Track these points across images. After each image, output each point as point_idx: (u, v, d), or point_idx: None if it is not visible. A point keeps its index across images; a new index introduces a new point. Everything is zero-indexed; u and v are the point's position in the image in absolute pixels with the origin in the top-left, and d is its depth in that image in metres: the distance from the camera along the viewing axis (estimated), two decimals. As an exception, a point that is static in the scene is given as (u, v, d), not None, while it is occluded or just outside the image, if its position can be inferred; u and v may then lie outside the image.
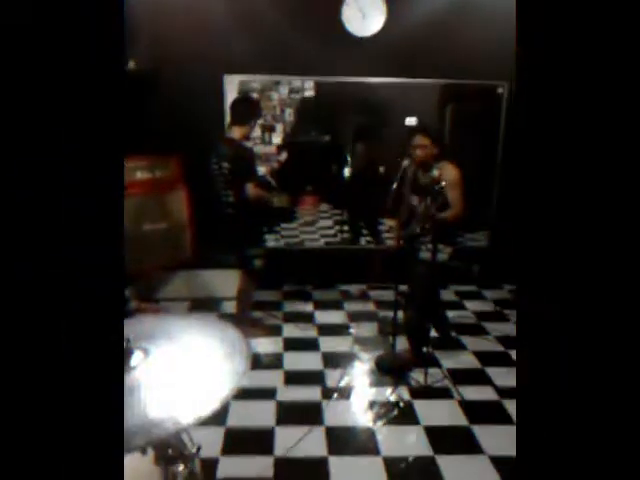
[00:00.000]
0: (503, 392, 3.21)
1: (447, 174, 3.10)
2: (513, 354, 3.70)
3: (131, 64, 4.10)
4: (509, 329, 4.12)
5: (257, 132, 4.41)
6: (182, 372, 1.40)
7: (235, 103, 3.69)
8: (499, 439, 2.77)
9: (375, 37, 4.28)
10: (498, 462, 2.59)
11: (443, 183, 2.96)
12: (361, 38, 4.28)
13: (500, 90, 4.50)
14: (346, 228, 5.04)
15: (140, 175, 4.05)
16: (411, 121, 4.63)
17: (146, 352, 1.40)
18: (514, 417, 2.95)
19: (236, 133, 3.52)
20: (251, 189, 3.40)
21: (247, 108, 3.60)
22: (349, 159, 4.73)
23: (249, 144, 3.89)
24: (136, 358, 1.36)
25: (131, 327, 1.52)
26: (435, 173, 3.08)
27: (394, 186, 3.16)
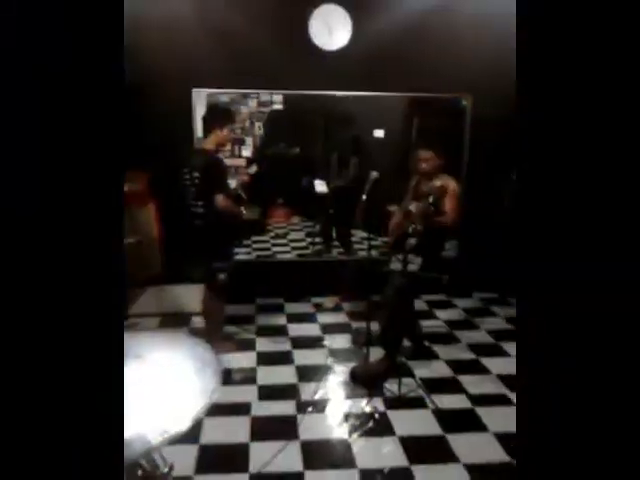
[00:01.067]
0: (476, 399, 3.25)
1: (449, 185, 3.28)
2: (485, 361, 3.74)
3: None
4: (480, 337, 4.18)
5: (227, 145, 4.39)
6: (152, 390, 1.37)
7: (206, 112, 3.68)
8: (473, 446, 2.79)
9: (342, 51, 4.33)
10: (473, 469, 2.61)
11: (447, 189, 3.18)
12: (328, 52, 4.33)
13: (464, 103, 4.61)
14: (317, 240, 5.05)
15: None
16: (379, 133, 4.70)
17: (115, 370, 1.36)
18: (487, 424, 2.98)
19: (209, 144, 3.51)
20: (221, 200, 3.37)
21: (218, 115, 3.58)
22: (332, 170, 4.76)
23: (221, 156, 3.88)
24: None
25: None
26: (438, 183, 3.21)
27: (363, 197, 3.20)
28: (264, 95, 4.52)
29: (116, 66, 0.91)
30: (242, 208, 3.64)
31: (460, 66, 4.32)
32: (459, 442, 2.82)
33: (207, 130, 3.56)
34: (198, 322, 4.15)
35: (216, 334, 3.77)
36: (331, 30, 4.29)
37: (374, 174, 3.28)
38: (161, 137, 4.12)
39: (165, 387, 1.38)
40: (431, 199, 3.12)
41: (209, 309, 3.82)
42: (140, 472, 1.42)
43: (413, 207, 3.32)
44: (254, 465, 2.62)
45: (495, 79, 4.07)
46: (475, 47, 4.30)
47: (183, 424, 1.23)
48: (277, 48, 4.25)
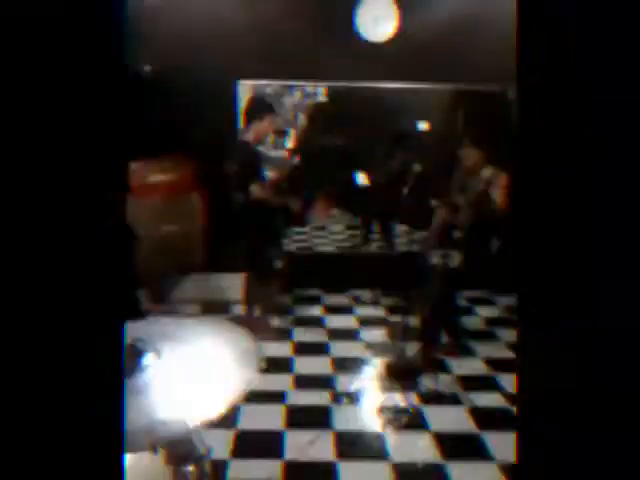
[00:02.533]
0: (512, 399, 3.20)
1: (500, 177, 3.24)
2: (524, 361, 3.67)
3: (147, 68, 4.16)
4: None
5: (270, 137, 4.43)
6: (194, 374, 1.42)
7: (248, 104, 3.74)
8: (508, 446, 2.75)
9: (387, 43, 4.29)
10: (507, 469, 2.58)
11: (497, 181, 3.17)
12: (374, 43, 4.30)
13: (510, 94, 4.49)
14: (358, 233, 5.04)
15: (155, 178, 4.10)
16: (424, 126, 4.63)
17: (158, 353, 1.42)
18: (524, 424, 2.93)
19: (249, 135, 3.57)
20: (256, 190, 3.43)
21: (257, 106, 3.64)
22: (375, 163, 4.74)
23: (262, 148, 3.93)
24: (148, 359, 1.39)
25: (144, 328, 1.54)
26: (486, 176, 3.18)
27: (405, 192, 3.18)
28: (308, 87, 4.53)
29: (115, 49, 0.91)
30: (286, 198, 3.68)
31: (507, 57, 4.20)
32: (494, 441, 2.79)
33: (247, 121, 3.62)
34: (239, 310, 4.23)
35: (264, 321, 3.87)
36: (377, 21, 4.26)
37: (417, 167, 3.25)
38: (207, 126, 4.19)
39: (206, 372, 1.43)
40: (479, 190, 3.09)
41: (251, 297, 3.91)
42: (180, 452, 1.48)
43: (460, 201, 3.28)
44: (288, 452, 2.67)
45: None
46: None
47: (220, 410, 1.27)
48: (322, 39, 4.25)
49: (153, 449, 1.32)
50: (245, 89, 4.41)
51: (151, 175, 4.07)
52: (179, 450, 1.47)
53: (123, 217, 0.98)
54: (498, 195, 3.20)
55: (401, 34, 4.26)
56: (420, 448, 2.75)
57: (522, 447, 0.98)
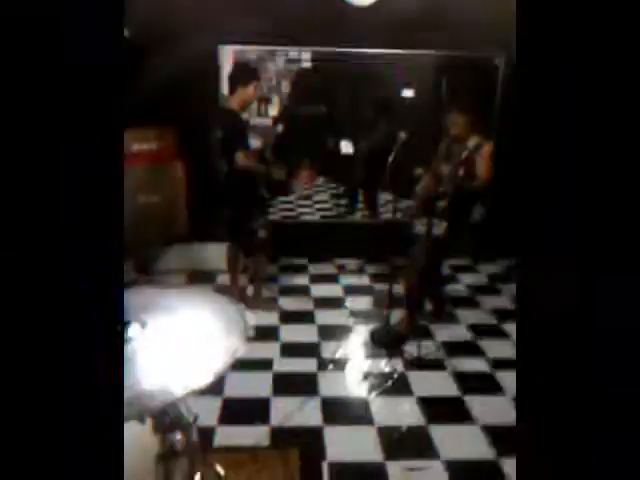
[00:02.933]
0: (495, 363, 3.27)
1: (484, 145, 3.25)
2: (505, 327, 3.75)
3: (126, 33, 4.03)
4: (502, 302, 4.17)
5: (253, 104, 4.35)
6: (179, 344, 1.42)
7: (232, 70, 3.67)
8: (490, 408, 2.83)
9: (372, 7, 4.20)
10: (488, 430, 2.65)
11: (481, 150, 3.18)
12: (358, 8, 4.20)
13: (497, 62, 4.46)
14: (342, 202, 5.03)
15: (136, 147, 4.02)
16: (408, 93, 4.58)
17: (143, 324, 1.41)
18: (505, 387, 3.01)
19: (234, 102, 3.50)
20: (241, 158, 3.38)
21: (242, 73, 3.56)
22: (359, 130, 4.70)
23: (245, 116, 3.86)
24: (133, 329, 1.38)
25: (128, 299, 1.53)
26: (470, 144, 3.16)
27: (390, 159, 3.16)
28: (292, 52, 4.43)
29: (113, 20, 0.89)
30: (270, 167, 3.64)
31: (495, 25, 4.16)
32: (476, 404, 2.86)
33: (232, 88, 3.55)
34: (224, 279, 4.23)
35: (257, 292, 3.90)
36: (362, -15, 4.15)
37: (402, 135, 3.22)
38: (189, 93, 4.09)
39: (191, 342, 1.43)
40: (463, 156, 3.09)
41: (234, 266, 3.91)
42: (167, 420, 1.49)
43: (443, 169, 3.28)
44: (275, 419, 2.71)
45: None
46: (512, 5, 4.12)
47: (206, 379, 1.28)
48: (306, 4, 4.14)
49: (141, 418, 1.32)
50: (228, 55, 4.31)
51: (132, 144, 3.99)
52: (166, 418, 1.48)
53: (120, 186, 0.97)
54: (482, 164, 3.20)
55: (386, -2, 4.17)
56: (404, 412, 2.81)
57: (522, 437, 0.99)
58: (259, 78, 3.67)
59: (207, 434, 2.54)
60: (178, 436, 1.52)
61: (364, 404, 2.87)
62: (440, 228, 3.30)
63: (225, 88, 3.97)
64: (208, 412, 2.69)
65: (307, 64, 4.48)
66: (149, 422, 1.48)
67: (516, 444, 0.99)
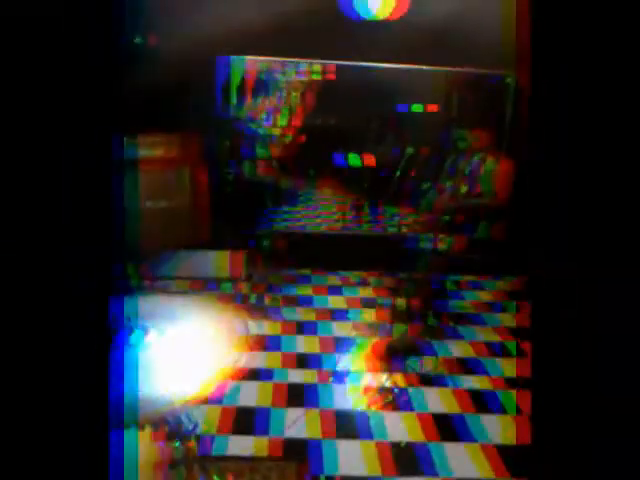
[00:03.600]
0: (497, 382, 3.25)
1: (489, 162, 3.17)
2: (509, 345, 3.73)
3: (138, 40, 4.08)
4: (506, 320, 4.14)
5: (263, 115, 4.38)
6: (182, 351, 1.42)
7: (244, 79, 3.70)
8: (491, 427, 2.81)
9: (385, 22, 4.23)
10: (488, 450, 2.63)
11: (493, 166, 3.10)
12: (371, 23, 4.23)
13: (508, 80, 4.47)
14: (349, 214, 5.04)
15: (144, 153, 4.04)
16: (418, 108, 4.60)
17: (147, 330, 1.42)
18: (506, 406, 2.99)
19: (244, 113, 3.53)
20: (249, 168, 3.41)
21: (254, 88, 3.59)
22: (368, 143, 4.72)
23: (254, 126, 3.89)
24: (137, 336, 1.38)
25: (133, 305, 1.54)
26: (475, 160, 3.15)
27: (397, 174, 3.17)
28: (303, 65, 4.47)
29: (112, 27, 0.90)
30: (278, 177, 3.67)
31: (504, 42, 4.18)
32: (477, 422, 2.84)
33: (241, 99, 3.58)
34: (228, 287, 4.23)
35: (260, 302, 3.90)
36: (375, 0, 4.19)
37: (410, 150, 3.23)
38: (200, 103, 4.12)
39: (195, 349, 1.43)
40: (467, 171, 3.09)
41: (236, 275, 3.92)
42: (167, 428, 1.49)
43: (449, 185, 3.28)
44: (274, 429, 2.70)
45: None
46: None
47: (207, 389, 1.28)
48: (319, 17, 4.18)
49: (141, 426, 1.33)
50: (239, 65, 4.35)
51: (141, 150, 4.01)
52: (166, 426, 1.48)
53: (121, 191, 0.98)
54: (488, 179, 3.20)
55: (400, 15, 4.20)
56: (404, 428, 2.79)
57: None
58: (268, 93, 3.70)
59: (206, 443, 2.53)
60: (177, 444, 1.52)
61: (364, 418, 2.85)
62: (445, 243, 3.30)
63: (235, 98, 4.00)
64: (208, 421, 2.68)
65: (318, 76, 4.51)
66: (149, 429, 1.48)
67: (531, 462, 0.98)
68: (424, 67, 4.38)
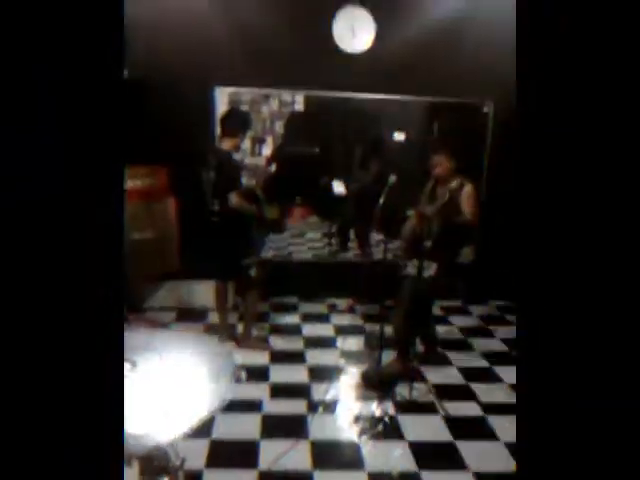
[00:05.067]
0: (487, 408, 3.23)
1: (465, 186, 3.29)
2: (498, 370, 3.73)
3: (124, 73, 4.11)
4: (494, 345, 4.15)
5: (247, 144, 4.43)
6: (168, 385, 1.40)
7: (225, 115, 3.74)
8: (482, 455, 2.78)
9: (364, 54, 4.33)
10: (481, 478, 2.60)
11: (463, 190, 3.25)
12: (351, 54, 4.33)
13: (486, 109, 4.59)
14: (334, 241, 5.06)
15: (129, 184, 4.04)
16: (400, 136, 4.68)
17: (133, 364, 1.40)
18: (498, 433, 2.97)
19: (226, 144, 3.58)
20: (234, 199, 3.43)
21: (237, 120, 3.64)
22: (351, 171, 4.79)
23: (238, 156, 3.92)
24: (124, 370, 1.36)
25: (118, 339, 1.52)
26: (453, 185, 3.21)
27: (381, 200, 3.21)
28: (285, 95, 4.54)
29: (114, 61, 0.92)
30: (263, 206, 3.69)
31: (483, 71, 4.31)
32: (469, 449, 2.81)
33: (223, 131, 3.62)
34: (213, 317, 4.19)
35: (248, 331, 3.89)
36: (355, 32, 4.29)
37: (392, 177, 3.28)
38: (182, 133, 4.15)
39: (181, 383, 1.41)
40: (445, 198, 3.15)
41: (221, 305, 3.91)
42: (155, 463, 1.45)
43: (427, 210, 3.33)
44: (263, 462, 2.65)
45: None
46: (499, 52, 4.27)
47: (192, 424, 1.26)
48: (300, 49, 4.27)
49: (128, 462, 1.29)
50: (223, 96, 4.40)
51: (126, 181, 4.01)
52: (154, 462, 1.45)
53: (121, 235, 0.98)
54: (465, 204, 3.26)
55: (378, 46, 4.30)
56: (395, 457, 2.75)
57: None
58: (249, 128, 3.76)
59: (194, 478, 2.47)
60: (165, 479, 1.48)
61: (355, 448, 2.81)
62: (430, 269, 3.32)
63: (218, 129, 4.03)
64: (196, 455, 2.62)
65: (300, 106, 4.58)
66: (136, 465, 1.44)
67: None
68: (405, 97, 4.48)
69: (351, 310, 4.71)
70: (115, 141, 0.92)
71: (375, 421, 3.04)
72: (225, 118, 3.69)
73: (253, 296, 3.84)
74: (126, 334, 1.59)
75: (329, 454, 2.76)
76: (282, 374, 3.57)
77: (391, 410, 3.15)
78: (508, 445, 2.84)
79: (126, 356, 1.39)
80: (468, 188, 3.32)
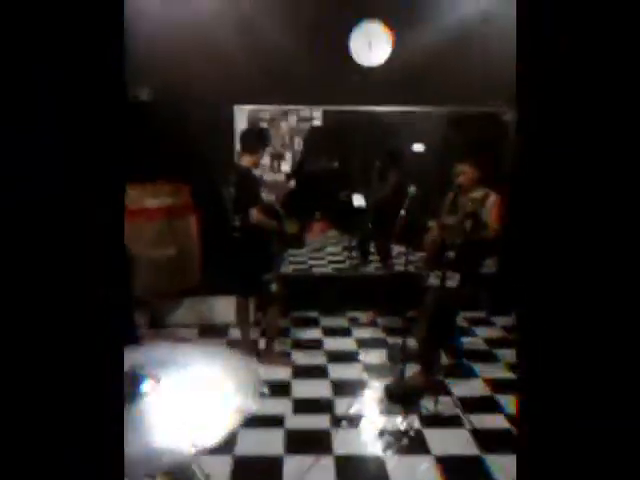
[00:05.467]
0: (514, 420, 3.17)
1: (489, 196, 3.26)
2: (524, 381, 3.65)
3: (145, 92, 4.20)
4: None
5: (266, 160, 4.47)
6: (192, 400, 1.40)
7: (245, 133, 3.79)
8: (511, 468, 2.72)
9: (382, 67, 4.36)
10: (511, 493, 2.55)
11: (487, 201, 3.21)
12: (368, 68, 4.36)
13: (507, 117, 4.56)
14: (355, 254, 5.05)
15: (151, 202, 4.11)
16: (419, 148, 4.68)
17: (157, 379, 1.40)
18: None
19: (245, 161, 3.62)
20: (255, 214, 3.46)
21: (256, 137, 3.69)
22: (371, 184, 4.79)
23: (258, 172, 3.96)
24: (147, 385, 1.37)
25: (142, 354, 1.53)
26: (475, 195, 3.19)
27: (402, 213, 3.20)
28: (304, 111, 4.57)
29: (115, 72, 0.93)
30: (282, 222, 3.71)
31: (502, 79, 4.28)
32: (496, 463, 2.76)
33: (243, 148, 3.67)
34: (235, 333, 4.20)
35: (270, 347, 3.91)
36: (371, 46, 4.32)
37: (413, 189, 3.27)
38: (204, 151, 4.22)
39: (205, 398, 1.41)
40: (468, 210, 3.12)
41: (243, 321, 3.92)
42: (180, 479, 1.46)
43: (450, 220, 3.30)
44: (287, 478, 2.63)
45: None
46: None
47: (215, 440, 1.26)
48: (318, 64, 4.32)
49: (151, 477, 1.30)
50: (242, 113, 4.46)
51: (148, 199, 4.08)
52: (178, 478, 1.45)
53: (121, 239, 0.99)
54: (489, 215, 3.22)
55: (395, 58, 4.32)
56: (421, 472, 2.71)
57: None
58: (268, 145, 3.80)
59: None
60: (189, 496, 1.48)
61: (380, 463, 2.77)
62: (453, 280, 3.28)
63: (238, 146, 4.08)
64: (219, 471, 2.62)
65: (318, 121, 4.61)
66: (160, 481, 1.44)
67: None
68: (424, 108, 4.48)
69: (373, 323, 4.68)
70: (116, 141, 0.93)
71: (400, 435, 3.00)
72: (244, 135, 3.75)
73: (274, 311, 3.84)
74: (148, 348, 1.61)
75: (354, 469, 2.73)
76: (304, 389, 3.55)
77: (416, 424, 3.11)
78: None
79: (149, 371, 1.41)
80: (493, 198, 3.28)
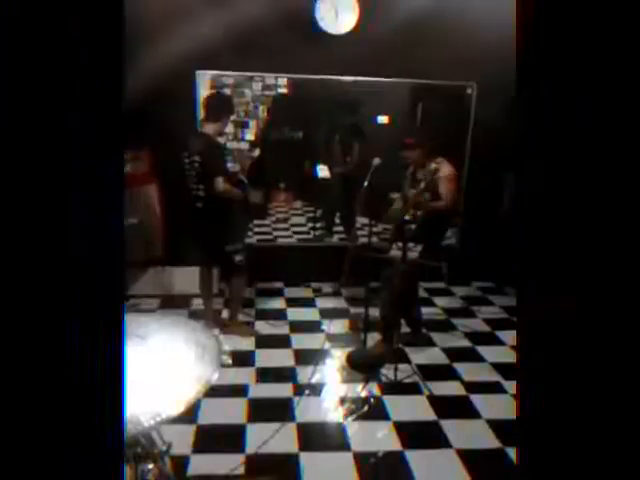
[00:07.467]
0: (470, 387, 3.28)
1: (441, 169, 3.28)
2: (480, 350, 3.78)
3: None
4: (477, 325, 4.21)
5: (230, 128, 4.38)
6: (153, 371, 1.40)
7: (208, 99, 3.68)
8: (466, 433, 2.84)
9: (348, 35, 4.29)
10: (465, 455, 2.65)
11: (439, 174, 3.24)
12: (334, 36, 4.29)
13: (469, 91, 4.59)
14: (319, 225, 5.06)
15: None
16: (383, 119, 4.67)
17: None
18: (481, 411, 3.02)
19: (209, 129, 3.53)
20: (221, 184, 3.39)
21: (219, 104, 3.60)
22: (335, 155, 4.76)
23: (222, 140, 3.88)
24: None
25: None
26: (432, 167, 3.22)
27: (365, 184, 3.21)
28: (269, 79, 4.49)
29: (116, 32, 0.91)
30: (246, 191, 3.66)
31: (466, 53, 4.30)
32: (452, 428, 2.86)
33: (206, 116, 3.57)
34: (198, 304, 4.19)
35: (234, 317, 3.91)
36: (338, 13, 4.25)
37: (376, 161, 3.27)
38: (164, 118, 4.09)
39: (163, 370, 1.41)
40: (423, 184, 3.17)
41: (206, 291, 3.90)
42: (140, 450, 1.46)
43: (410, 193, 3.34)
44: (250, 446, 2.67)
45: (501, 67, 4.04)
46: (483, 34, 4.26)
47: (177, 408, 1.26)
48: (283, 31, 4.22)
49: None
50: (205, 79, 4.34)
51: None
52: (138, 448, 1.45)
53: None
54: (443, 187, 3.28)
55: (362, 28, 4.27)
56: (381, 437, 2.79)
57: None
58: (232, 113, 3.72)
59: (180, 463, 2.49)
60: (150, 466, 1.49)
61: (340, 429, 2.84)
62: (414, 252, 3.34)
63: (201, 112, 3.98)
64: (182, 440, 2.63)
65: (283, 90, 4.54)
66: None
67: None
68: (388, 79, 4.46)
69: (336, 294, 4.73)
70: (116, 125, 0.91)
71: (360, 402, 3.08)
72: (208, 102, 3.64)
73: (238, 282, 3.83)
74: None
75: (315, 436, 2.79)
76: (268, 358, 3.58)
77: (376, 391, 3.19)
78: (491, 423, 2.90)
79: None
80: (447, 170, 3.33)
